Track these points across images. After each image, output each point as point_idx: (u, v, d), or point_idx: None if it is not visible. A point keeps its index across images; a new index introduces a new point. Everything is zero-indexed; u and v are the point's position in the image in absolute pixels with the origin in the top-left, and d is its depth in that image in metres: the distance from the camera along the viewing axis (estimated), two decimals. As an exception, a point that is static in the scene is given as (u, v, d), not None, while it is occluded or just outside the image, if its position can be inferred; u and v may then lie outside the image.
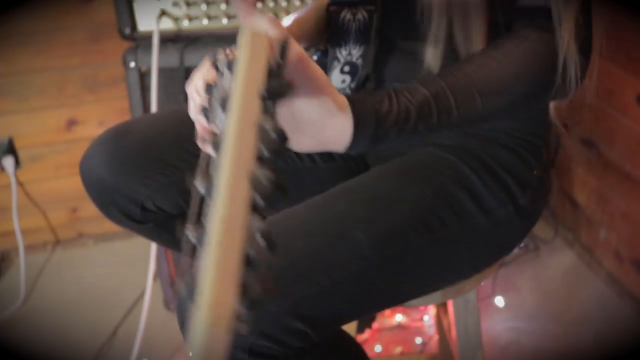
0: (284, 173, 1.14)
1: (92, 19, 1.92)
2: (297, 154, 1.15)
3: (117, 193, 1.09)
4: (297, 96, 0.68)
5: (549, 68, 0.87)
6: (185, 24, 1.67)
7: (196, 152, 1.10)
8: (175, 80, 1.70)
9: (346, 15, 0.95)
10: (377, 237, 0.93)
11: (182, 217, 1.15)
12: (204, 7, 1.65)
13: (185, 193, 1.11)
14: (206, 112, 0.65)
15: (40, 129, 2.03)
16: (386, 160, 1.05)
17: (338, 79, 1.01)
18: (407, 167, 1.02)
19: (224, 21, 1.66)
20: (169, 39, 1.68)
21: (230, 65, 0.59)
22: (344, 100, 0.74)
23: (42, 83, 1.97)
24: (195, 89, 0.84)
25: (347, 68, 0.99)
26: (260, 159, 0.44)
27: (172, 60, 1.68)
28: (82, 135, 2.06)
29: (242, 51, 0.53)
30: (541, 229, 2.10)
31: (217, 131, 0.56)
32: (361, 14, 0.95)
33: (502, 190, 1.02)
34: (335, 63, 0.99)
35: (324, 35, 1.05)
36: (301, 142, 0.73)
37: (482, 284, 1.34)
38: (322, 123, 0.72)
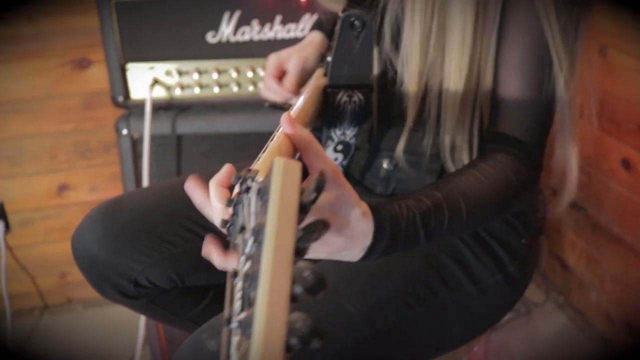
0: None
1: (86, 87, 1.94)
2: None
3: (111, 270, 1.09)
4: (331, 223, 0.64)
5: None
6: (177, 92, 1.70)
7: (189, 226, 1.12)
8: (167, 147, 1.72)
9: (342, 97, 0.97)
10: (368, 310, 0.93)
11: (175, 291, 1.15)
12: (195, 76, 1.69)
13: (178, 268, 1.12)
14: (227, 225, 0.65)
15: (31, 194, 2.04)
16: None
17: (331, 157, 1.03)
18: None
19: (215, 90, 1.70)
20: (161, 107, 1.71)
21: (251, 187, 0.58)
22: (365, 206, 0.72)
23: (35, 149, 1.99)
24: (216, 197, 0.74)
25: (340, 147, 1.01)
26: (294, 299, 0.44)
27: (164, 127, 1.70)
28: (73, 201, 2.06)
29: (274, 178, 0.52)
30: (532, 292, 2.10)
31: (240, 251, 0.54)
32: (357, 97, 0.97)
33: (491, 259, 1.04)
34: (329, 142, 1.01)
35: (321, 115, 1.08)
36: (318, 252, 0.69)
37: (475, 349, 1.34)
38: (350, 233, 0.69)
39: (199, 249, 1.12)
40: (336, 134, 1.00)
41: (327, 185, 0.63)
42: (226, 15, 1.64)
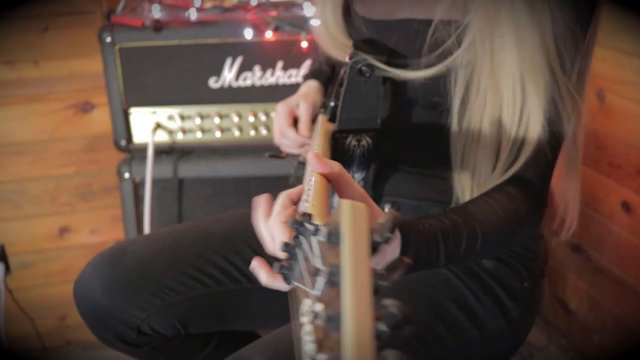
0: (260, 292, 1.15)
1: (89, 130, 1.96)
2: None
3: (113, 318, 1.09)
4: None
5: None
6: (180, 136, 1.72)
7: (192, 274, 1.12)
8: (169, 191, 1.73)
9: (351, 141, 0.99)
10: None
11: (177, 339, 1.14)
12: (197, 120, 1.70)
13: (182, 315, 1.11)
14: (285, 271, 0.64)
15: (32, 236, 2.04)
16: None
17: None
18: (401, 281, 1.04)
19: (217, 134, 1.72)
20: (163, 151, 1.72)
21: (308, 229, 0.59)
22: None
23: (37, 191, 1.99)
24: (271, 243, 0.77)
25: None
26: (379, 337, 0.45)
27: (166, 171, 1.71)
28: (74, 243, 2.06)
29: (343, 222, 0.53)
30: (534, 335, 2.08)
31: (308, 292, 0.55)
32: (365, 140, 0.99)
33: (494, 304, 1.04)
34: None
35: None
36: None
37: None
38: (383, 249, 0.73)
39: (202, 296, 1.13)
40: None
41: None
42: (228, 61, 1.67)
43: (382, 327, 0.45)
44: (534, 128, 0.93)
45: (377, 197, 1.09)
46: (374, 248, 0.54)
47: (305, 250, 0.59)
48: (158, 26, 1.63)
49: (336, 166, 0.71)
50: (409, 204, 1.07)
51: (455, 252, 0.83)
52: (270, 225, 0.75)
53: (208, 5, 1.72)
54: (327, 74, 1.28)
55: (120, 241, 1.18)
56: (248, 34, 1.64)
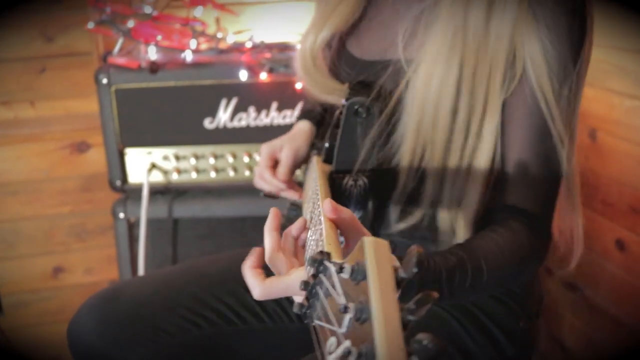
0: (279, 332, 1.15)
1: (84, 170, 1.97)
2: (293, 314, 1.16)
3: None
4: None
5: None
6: (175, 177, 1.73)
7: (187, 316, 1.12)
8: (163, 231, 1.73)
9: (348, 181, 1.00)
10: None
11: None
12: (192, 161, 1.71)
13: (175, 358, 1.11)
14: (306, 310, 0.64)
15: (26, 276, 2.03)
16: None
17: None
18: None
19: (212, 174, 1.72)
20: (158, 191, 1.73)
21: (329, 267, 0.59)
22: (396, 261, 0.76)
23: (31, 231, 1.99)
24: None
25: None
26: None
27: (161, 211, 1.71)
28: (68, 283, 2.05)
29: (368, 258, 0.54)
30: (531, 374, 2.07)
31: (334, 331, 0.54)
32: (362, 180, 1.00)
33: (489, 343, 1.04)
34: None
35: None
36: None
37: None
38: None
39: (196, 338, 1.12)
40: None
41: None
42: (223, 102, 1.68)
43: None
44: (516, 160, 0.96)
45: (375, 236, 1.09)
46: (399, 284, 0.54)
47: (327, 289, 0.59)
48: (154, 68, 1.65)
49: (346, 213, 0.72)
50: (405, 243, 1.07)
51: (460, 289, 0.84)
52: (273, 257, 0.76)
53: (203, 47, 1.74)
54: (320, 113, 1.29)
55: (114, 282, 1.18)
56: (243, 75, 1.66)
